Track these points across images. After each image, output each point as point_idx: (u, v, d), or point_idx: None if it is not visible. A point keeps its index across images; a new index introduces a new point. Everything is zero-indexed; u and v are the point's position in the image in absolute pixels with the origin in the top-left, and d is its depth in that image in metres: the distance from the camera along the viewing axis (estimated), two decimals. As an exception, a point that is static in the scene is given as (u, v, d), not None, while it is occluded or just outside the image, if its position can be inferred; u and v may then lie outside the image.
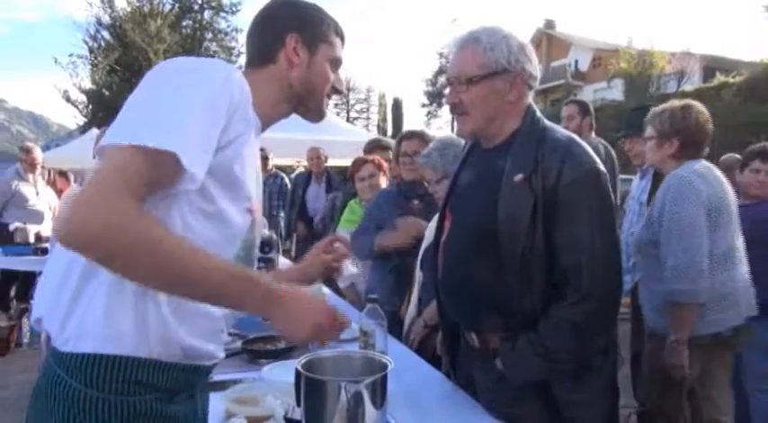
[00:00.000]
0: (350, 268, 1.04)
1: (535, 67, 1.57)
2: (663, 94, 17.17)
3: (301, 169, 7.66)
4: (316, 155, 6.04)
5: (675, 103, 2.38)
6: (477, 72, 1.51)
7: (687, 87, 18.02)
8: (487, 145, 1.63)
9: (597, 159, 1.50)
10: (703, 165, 2.26)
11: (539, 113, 1.59)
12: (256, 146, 1.13)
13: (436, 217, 1.87)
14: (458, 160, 1.81)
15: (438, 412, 1.60)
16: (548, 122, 1.59)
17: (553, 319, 1.46)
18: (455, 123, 1.70)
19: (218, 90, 0.98)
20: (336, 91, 1.22)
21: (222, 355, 1.13)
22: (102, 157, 0.92)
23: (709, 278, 2.08)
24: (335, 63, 1.20)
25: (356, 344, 1.87)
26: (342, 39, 1.22)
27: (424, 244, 2.26)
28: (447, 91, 1.64)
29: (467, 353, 1.73)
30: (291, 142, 6.84)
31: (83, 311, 0.96)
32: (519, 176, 1.46)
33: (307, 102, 1.19)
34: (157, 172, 0.91)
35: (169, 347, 0.99)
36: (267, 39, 1.16)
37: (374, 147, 3.99)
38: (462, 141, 2.02)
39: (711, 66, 21.63)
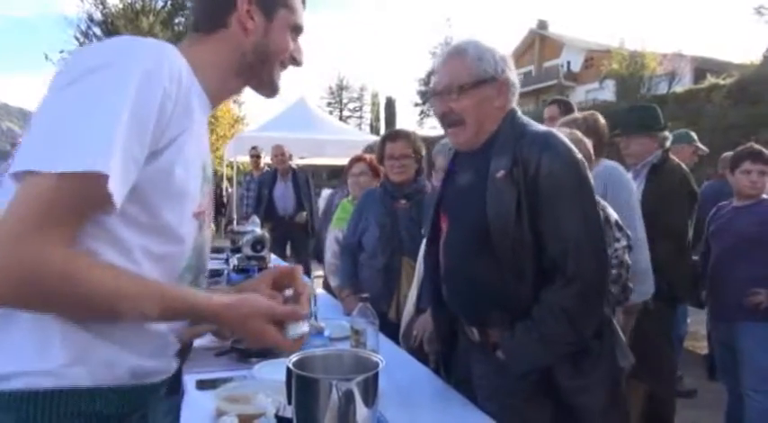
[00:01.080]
0: (301, 326, 0.91)
1: (515, 78, 1.65)
2: (654, 96, 17.26)
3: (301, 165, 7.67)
4: (280, 152, 6.04)
5: (585, 113, 2.82)
6: (468, 80, 1.58)
7: (678, 89, 18.10)
8: (471, 148, 1.67)
9: (575, 148, 1.56)
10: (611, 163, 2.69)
11: (519, 113, 1.65)
12: (204, 125, 1.00)
13: None
14: None
15: (429, 409, 1.61)
16: (527, 120, 1.65)
17: (545, 305, 1.51)
18: (447, 135, 1.72)
19: (143, 88, 0.83)
20: (295, 61, 1.09)
21: (175, 366, 1.03)
22: (17, 182, 0.78)
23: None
24: (296, 30, 1.08)
25: (348, 343, 1.87)
26: (303, 2, 1.10)
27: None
28: (435, 104, 1.67)
29: (465, 347, 1.76)
30: (284, 141, 6.84)
31: (8, 346, 0.83)
32: (501, 173, 1.52)
33: (260, 73, 1.05)
34: (83, 199, 0.79)
35: (113, 371, 0.88)
36: (214, 3, 1.02)
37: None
38: None
39: (702, 67, 21.76)
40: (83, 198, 0.79)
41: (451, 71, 1.60)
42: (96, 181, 0.77)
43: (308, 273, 3.95)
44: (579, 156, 1.56)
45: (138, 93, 0.82)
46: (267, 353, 1.97)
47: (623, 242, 2.07)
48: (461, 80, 1.58)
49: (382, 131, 31.41)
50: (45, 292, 0.77)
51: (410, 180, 2.62)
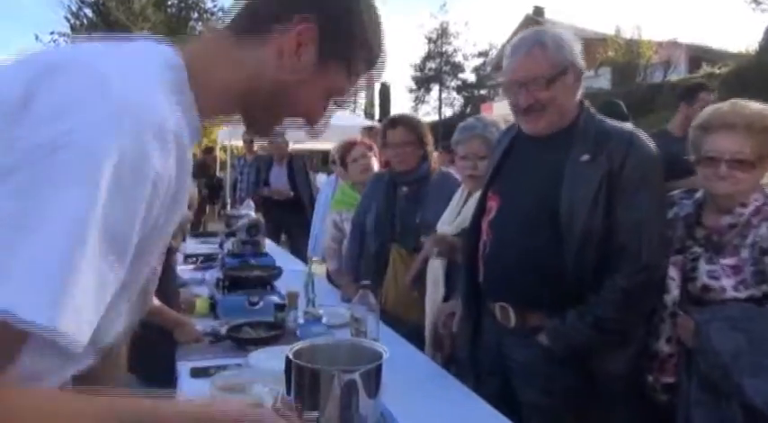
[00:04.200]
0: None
1: (583, 63, 1.72)
2: (650, 84, 17.17)
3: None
4: None
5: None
6: (553, 70, 1.63)
7: (673, 77, 18.04)
8: (541, 134, 1.71)
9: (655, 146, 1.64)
10: None
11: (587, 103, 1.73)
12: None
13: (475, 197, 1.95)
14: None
15: (431, 399, 1.56)
16: (593, 109, 1.74)
17: (608, 290, 1.54)
18: (521, 122, 1.75)
19: (120, 188, 0.59)
20: (309, 122, 0.84)
21: None
22: None
23: None
24: (334, 95, 0.83)
25: (347, 330, 1.83)
26: (371, 79, 0.85)
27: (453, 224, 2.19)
28: (514, 93, 1.69)
29: (495, 331, 1.77)
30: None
31: None
32: (586, 157, 1.58)
33: (259, 115, 0.82)
34: (18, 342, 0.58)
35: None
36: (271, 1, 0.78)
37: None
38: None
39: (697, 56, 21.67)
40: (18, 342, 0.58)
41: (534, 62, 1.64)
42: (48, 332, 0.56)
43: (304, 258, 3.90)
44: (659, 154, 1.64)
45: (110, 197, 0.58)
46: (263, 340, 1.92)
47: None
48: (546, 71, 1.62)
49: (376, 117, 31.28)
50: None
51: (412, 168, 2.52)
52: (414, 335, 2.10)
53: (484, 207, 1.81)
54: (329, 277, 3.24)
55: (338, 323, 2.10)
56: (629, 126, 1.71)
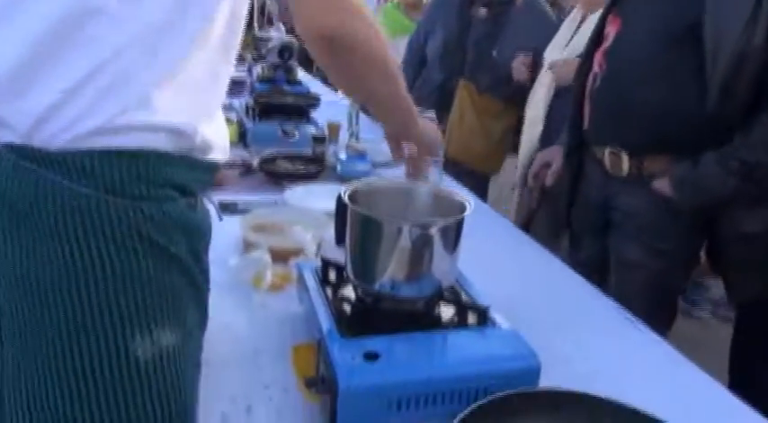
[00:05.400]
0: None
1: None
2: None
3: None
4: None
5: None
6: None
7: None
8: None
9: None
10: None
11: None
12: None
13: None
14: None
15: (506, 259, 1.33)
16: None
17: (757, 131, 1.30)
18: None
19: None
20: None
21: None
22: None
23: None
24: None
25: (394, 171, 1.56)
26: None
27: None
28: None
29: (600, 184, 1.55)
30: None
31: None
32: None
33: None
34: None
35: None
36: None
37: None
38: None
39: None
40: None
41: None
42: None
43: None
44: None
45: None
46: (301, 176, 1.68)
47: None
48: None
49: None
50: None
51: None
52: (479, 189, 1.84)
53: (601, 33, 1.51)
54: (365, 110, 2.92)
55: (383, 161, 1.83)
56: None
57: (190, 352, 0.68)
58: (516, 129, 2.22)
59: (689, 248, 1.47)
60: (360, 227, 0.87)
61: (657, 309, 1.43)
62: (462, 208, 0.88)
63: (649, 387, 0.85)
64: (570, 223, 1.68)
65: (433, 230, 0.84)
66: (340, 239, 0.93)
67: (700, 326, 2.75)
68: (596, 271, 1.50)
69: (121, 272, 0.59)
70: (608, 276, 1.54)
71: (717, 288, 2.74)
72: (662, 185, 1.40)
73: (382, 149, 1.92)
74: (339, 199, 0.90)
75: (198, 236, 0.68)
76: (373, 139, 2.03)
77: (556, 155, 1.70)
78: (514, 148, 2.12)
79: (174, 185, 0.64)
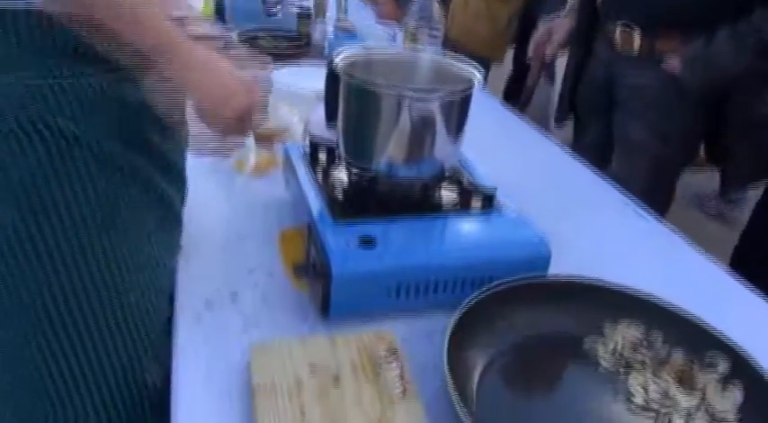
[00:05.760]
0: None
1: None
2: None
3: None
4: None
5: None
6: None
7: None
8: None
9: None
10: None
11: None
12: None
13: None
14: None
15: (504, 144, 1.25)
16: None
17: None
18: None
19: None
20: None
21: None
22: None
23: None
24: None
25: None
26: None
27: None
28: None
29: (608, 61, 1.48)
30: None
31: None
32: None
33: None
34: None
35: None
36: None
37: None
38: None
39: None
40: None
41: None
42: None
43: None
44: None
45: None
46: (285, 55, 1.54)
47: None
48: None
49: None
50: None
51: None
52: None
53: None
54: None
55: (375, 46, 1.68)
56: None
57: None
58: (523, 14, 2.07)
59: (692, 132, 1.42)
60: (354, 100, 0.77)
61: (657, 191, 1.40)
62: (470, 81, 0.78)
63: (654, 272, 0.81)
64: (574, 107, 1.59)
65: (438, 103, 0.74)
66: (331, 116, 0.84)
67: (687, 221, 2.75)
68: (599, 157, 1.45)
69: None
70: (610, 161, 1.50)
71: (707, 182, 2.72)
72: (673, 64, 1.33)
73: (374, 32, 1.78)
74: (330, 69, 0.80)
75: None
76: (365, 18, 1.86)
77: (559, 26, 1.60)
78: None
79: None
